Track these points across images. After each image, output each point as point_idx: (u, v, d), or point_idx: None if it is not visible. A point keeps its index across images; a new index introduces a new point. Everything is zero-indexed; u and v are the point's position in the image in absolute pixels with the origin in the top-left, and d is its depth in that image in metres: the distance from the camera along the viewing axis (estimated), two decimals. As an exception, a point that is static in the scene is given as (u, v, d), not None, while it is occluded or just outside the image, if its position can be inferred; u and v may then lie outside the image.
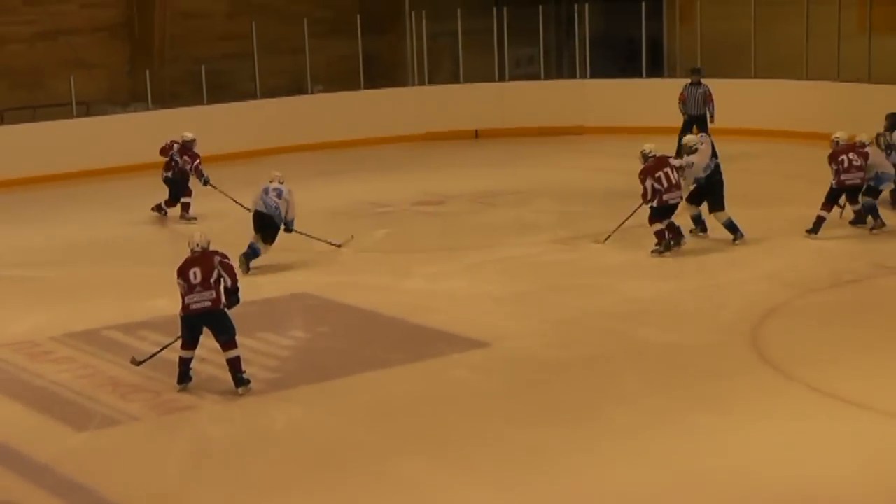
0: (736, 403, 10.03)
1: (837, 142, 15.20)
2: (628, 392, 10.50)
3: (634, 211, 14.79)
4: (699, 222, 15.21)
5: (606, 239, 15.00)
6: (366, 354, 11.60)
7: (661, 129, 22.19)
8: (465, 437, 9.54)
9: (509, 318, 12.43)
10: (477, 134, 24.27)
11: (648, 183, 14.43)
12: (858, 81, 21.64)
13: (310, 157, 21.55)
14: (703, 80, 20.52)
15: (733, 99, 21.07)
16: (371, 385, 10.79)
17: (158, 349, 11.00)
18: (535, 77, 24.86)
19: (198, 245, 10.67)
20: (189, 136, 17.70)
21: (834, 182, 14.98)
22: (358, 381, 10.91)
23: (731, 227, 14.80)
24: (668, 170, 14.48)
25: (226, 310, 10.59)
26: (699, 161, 14.97)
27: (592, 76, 24.43)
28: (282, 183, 14.68)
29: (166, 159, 17.59)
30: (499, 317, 12.51)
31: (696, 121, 20.68)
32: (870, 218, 15.13)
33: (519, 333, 11.95)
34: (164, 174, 17.63)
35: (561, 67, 25.83)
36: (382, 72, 25.16)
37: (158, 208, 17.73)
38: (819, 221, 14.93)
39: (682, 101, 20.91)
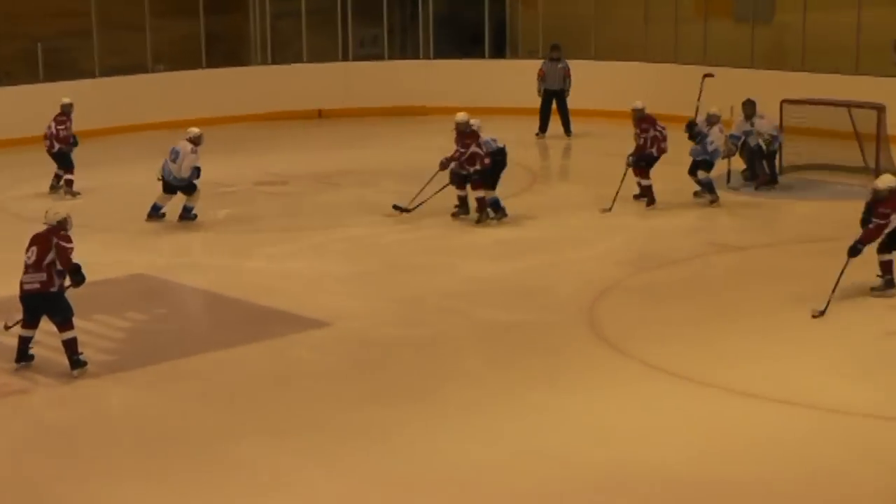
0: (571, 379, 10.22)
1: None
2: (467, 370, 10.62)
3: (625, 173, 15.57)
4: None
5: (611, 207, 15.42)
6: (205, 336, 11.51)
7: (504, 110, 22.49)
8: (303, 419, 9.53)
9: (351, 298, 12.46)
10: (320, 114, 24.17)
11: (652, 133, 15.39)
12: (695, 64, 22.13)
13: (151, 137, 21.17)
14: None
15: (575, 80, 21.38)
16: (209, 367, 10.71)
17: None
18: (380, 57, 24.85)
19: (48, 218, 10.54)
20: (67, 100, 17.45)
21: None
22: (196, 362, 10.82)
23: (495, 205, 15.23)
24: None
25: (62, 292, 10.40)
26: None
27: (436, 56, 24.55)
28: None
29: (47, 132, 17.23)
30: (340, 297, 12.53)
31: (554, 95, 21.18)
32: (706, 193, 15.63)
33: (360, 313, 11.98)
34: (50, 149, 17.25)
35: (405, 48, 25.86)
36: (226, 51, 24.88)
37: (68, 184, 17.23)
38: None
39: (542, 76, 21.42)
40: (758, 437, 9.02)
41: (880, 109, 16.85)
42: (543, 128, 21.46)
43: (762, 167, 16.62)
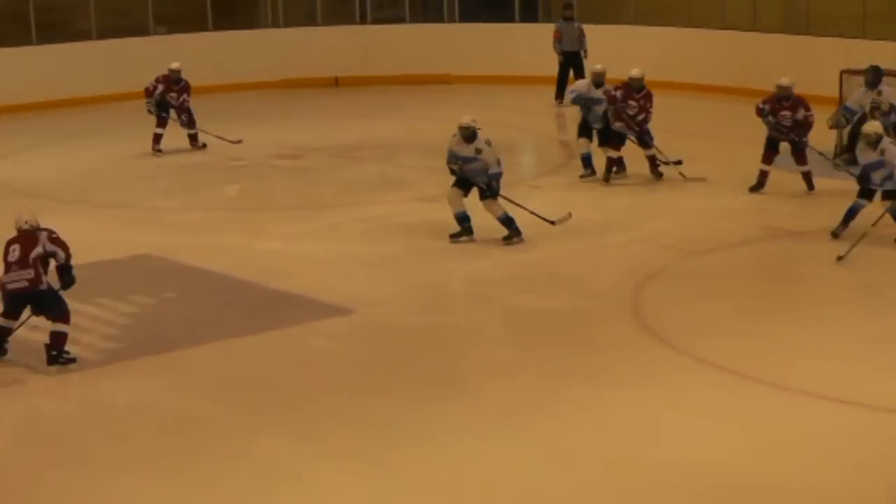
0: (614, 375, 10.19)
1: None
2: (498, 362, 10.60)
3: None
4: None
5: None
6: (216, 322, 11.53)
7: (535, 79, 22.48)
8: (323, 412, 9.54)
9: (372, 283, 12.45)
10: (337, 81, 24.17)
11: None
12: (744, 30, 22.06)
13: (153, 105, 21.24)
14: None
15: (610, 46, 21.28)
16: (221, 356, 10.73)
17: None
18: (401, 20, 24.82)
19: (26, 223, 10.52)
20: (175, 65, 17.86)
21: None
22: (207, 351, 10.84)
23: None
24: None
25: (53, 290, 10.37)
26: None
27: (462, 20, 24.49)
28: None
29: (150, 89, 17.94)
30: (361, 281, 12.53)
31: (571, 58, 21.18)
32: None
33: (382, 299, 11.97)
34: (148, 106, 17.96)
35: (428, 10, 25.82)
36: (233, 12, 24.87)
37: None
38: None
39: (558, 38, 21.44)
40: (816, 439, 8.99)
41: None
42: (560, 93, 21.45)
43: None
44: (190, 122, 18.07)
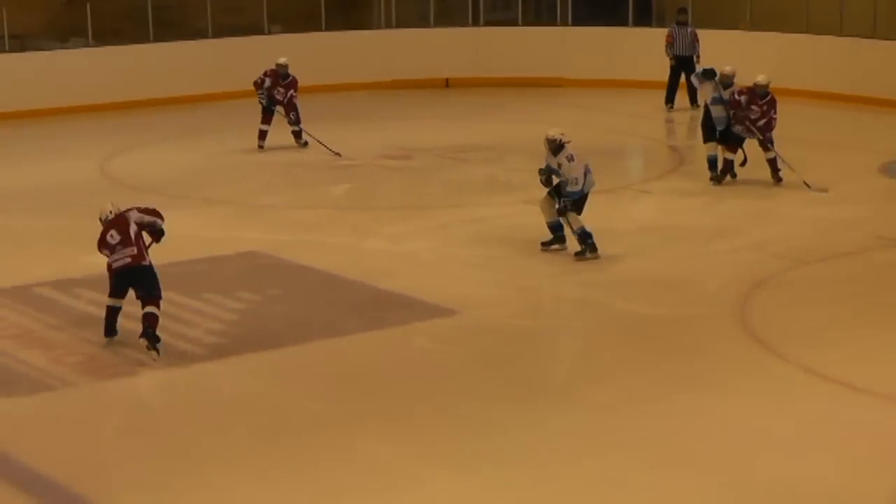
0: (720, 383, 10.06)
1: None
2: (602, 368, 10.53)
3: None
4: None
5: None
6: (321, 321, 11.58)
7: (648, 84, 22.30)
8: (426, 414, 9.55)
9: (477, 285, 12.43)
10: (448, 83, 24.21)
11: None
12: (863, 37, 21.69)
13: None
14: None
15: (726, 52, 21.02)
16: (326, 354, 10.78)
17: None
18: (513, 22, 24.79)
19: (110, 213, 10.88)
20: (283, 60, 18.06)
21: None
22: (312, 349, 10.90)
23: None
24: None
25: (152, 266, 10.65)
26: None
27: (574, 23, 24.39)
28: None
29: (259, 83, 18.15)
30: (466, 283, 12.52)
31: (684, 63, 21.02)
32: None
33: (487, 301, 11.95)
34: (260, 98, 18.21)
35: (541, 12, 25.76)
36: (346, 12, 25.03)
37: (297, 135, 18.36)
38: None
39: (670, 42, 21.30)
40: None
41: None
42: (670, 98, 21.33)
43: None
44: (296, 119, 18.20)
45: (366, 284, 12.44)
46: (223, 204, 15.43)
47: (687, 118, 20.82)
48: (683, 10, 21.78)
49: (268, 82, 17.98)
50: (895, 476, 8.51)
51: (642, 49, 22.94)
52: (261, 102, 18.08)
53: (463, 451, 8.92)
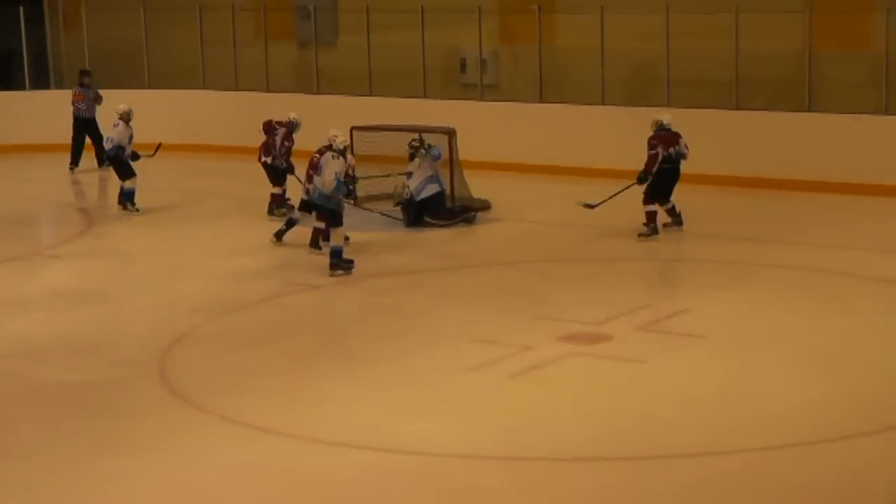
0: (144, 442, 10.01)
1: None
2: (22, 440, 10.20)
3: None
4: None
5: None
6: None
7: (52, 147, 21.98)
8: None
9: None
10: None
11: (660, 149, 15.45)
12: (257, 90, 22.44)
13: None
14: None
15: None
16: None
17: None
18: None
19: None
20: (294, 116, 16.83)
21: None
22: None
23: None
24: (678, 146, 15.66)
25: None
26: None
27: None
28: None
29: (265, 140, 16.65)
30: None
31: (87, 124, 21.06)
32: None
33: None
34: (265, 159, 16.67)
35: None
36: None
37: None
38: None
39: (80, 101, 21.28)
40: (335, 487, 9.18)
41: (451, 134, 17.62)
42: (75, 160, 21.34)
43: None
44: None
45: None
46: None
47: (95, 179, 20.67)
48: (86, 73, 21.63)
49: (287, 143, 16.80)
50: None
51: (43, 112, 22.59)
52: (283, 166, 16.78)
53: None
